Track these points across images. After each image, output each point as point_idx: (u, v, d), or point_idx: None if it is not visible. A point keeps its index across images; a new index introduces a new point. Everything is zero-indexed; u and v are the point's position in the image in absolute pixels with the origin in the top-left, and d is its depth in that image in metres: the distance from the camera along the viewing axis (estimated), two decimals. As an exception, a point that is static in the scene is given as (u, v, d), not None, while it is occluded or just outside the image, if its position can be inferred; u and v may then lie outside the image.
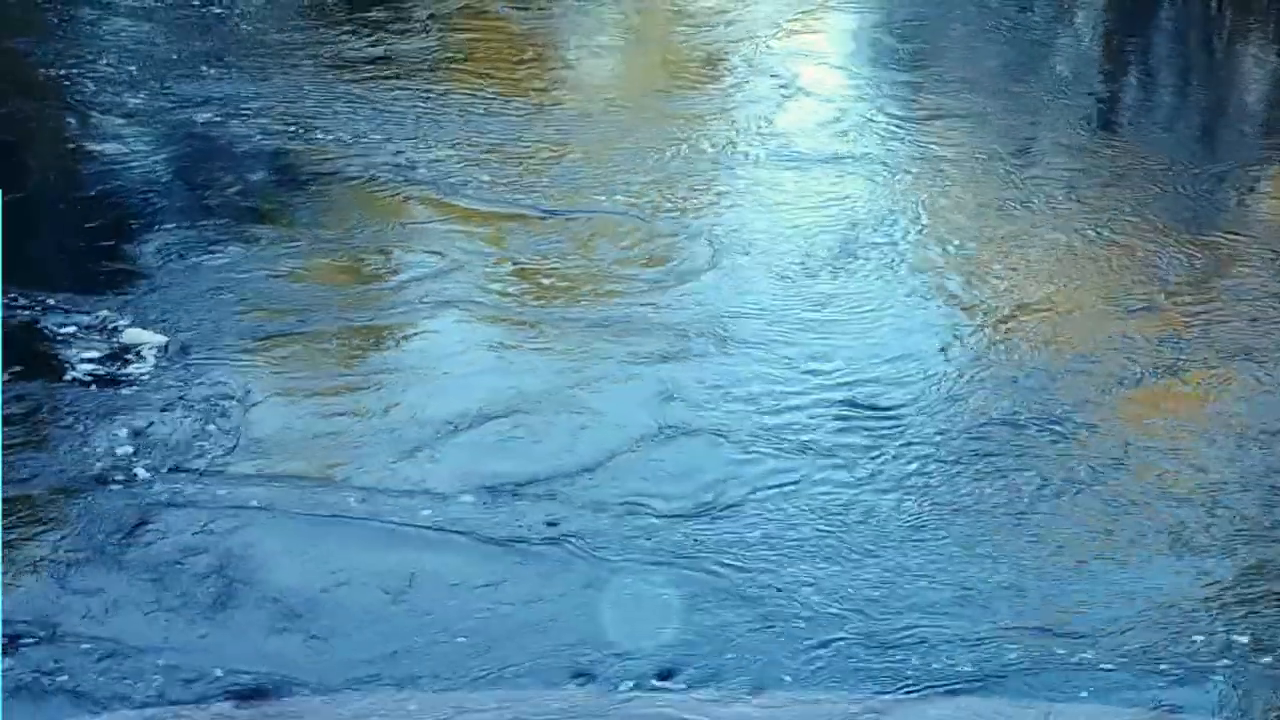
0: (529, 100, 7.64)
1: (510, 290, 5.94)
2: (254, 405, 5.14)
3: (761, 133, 7.42)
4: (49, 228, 6.41)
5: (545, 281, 6.01)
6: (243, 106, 7.43)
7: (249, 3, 8.82)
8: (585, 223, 6.46)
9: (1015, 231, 6.51)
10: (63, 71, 7.80)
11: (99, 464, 4.81)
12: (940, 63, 8.61)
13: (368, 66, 7.96)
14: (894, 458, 4.95)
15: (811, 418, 5.16)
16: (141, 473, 4.77)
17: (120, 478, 4.75)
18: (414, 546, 4.51)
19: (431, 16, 8.72)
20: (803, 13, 9.26)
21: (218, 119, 7.30)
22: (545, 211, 6.51)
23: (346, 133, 7.20)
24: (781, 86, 8.05)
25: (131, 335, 5.50)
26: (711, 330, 5.66)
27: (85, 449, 4.88)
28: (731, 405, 5.21)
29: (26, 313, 5.59)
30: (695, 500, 4.73)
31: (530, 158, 7.00)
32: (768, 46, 8.63)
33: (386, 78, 7.83)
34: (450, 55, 8.21)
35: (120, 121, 7.29)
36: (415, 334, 5.68)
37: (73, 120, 7.33)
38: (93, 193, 6.67)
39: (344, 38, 8.32)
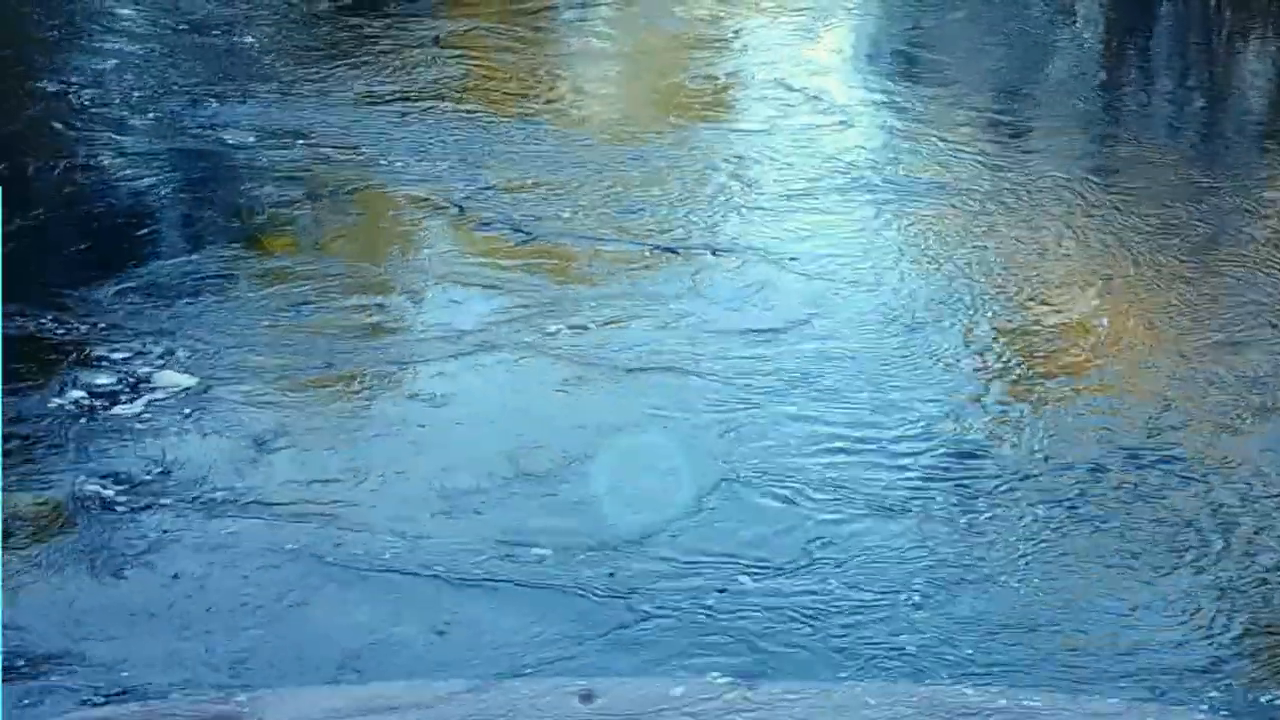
0: (559, 127, 7.41)
1: (569, 328, 5.68)
2: (282, 448, 4.90)
3: (823, 163, 7.17)
4: (80, 257, 6.18)
5: (606, 319, 5.76)
6: (274, 134, 7.19)
7: (262, 33, 8.50)
8: (648, 257, 6.24)
9: (1104, 262, 6.30)
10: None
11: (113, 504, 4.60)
12: (972, 77, 8.42)
13: (388, 93, 7.71)
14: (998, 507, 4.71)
15: (906, 468, 4.91)
16: (169, 515, 4.56)
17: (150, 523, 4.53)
18: (453, 597, 4.26)
19: (437, 40, 8.46)
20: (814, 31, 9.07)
21: (248, 145, 7.07)
22: (601, 245, 6.30)
23: (381, 159, 6.99)
24: (830, 112, 7.84)
25: (163, 378, 5.28)
26: (802, 377, 5.39)
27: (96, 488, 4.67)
28: (821, 455, 4.93)
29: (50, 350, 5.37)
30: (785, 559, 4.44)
31: (577, 188, 6.78)
32: (795, 68, 8.42)
33: (410, 105, 7.57)
34: (466, 82, 7.95)
35: (148, 149, 7.07)
36: (463, 374, 5.42)
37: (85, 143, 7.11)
38: (119, 219, 6.48)
39: (363, 62, 8.07)
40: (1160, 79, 8.77)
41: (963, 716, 3.75)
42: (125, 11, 8.69)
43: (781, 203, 6.69)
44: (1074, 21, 9.68)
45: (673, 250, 6.25)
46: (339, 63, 8.04)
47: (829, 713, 3.75)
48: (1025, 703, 3.85)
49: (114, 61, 8.02)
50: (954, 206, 6.72)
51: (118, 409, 5.06)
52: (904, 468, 4.92)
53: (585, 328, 5.67)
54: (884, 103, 7.94)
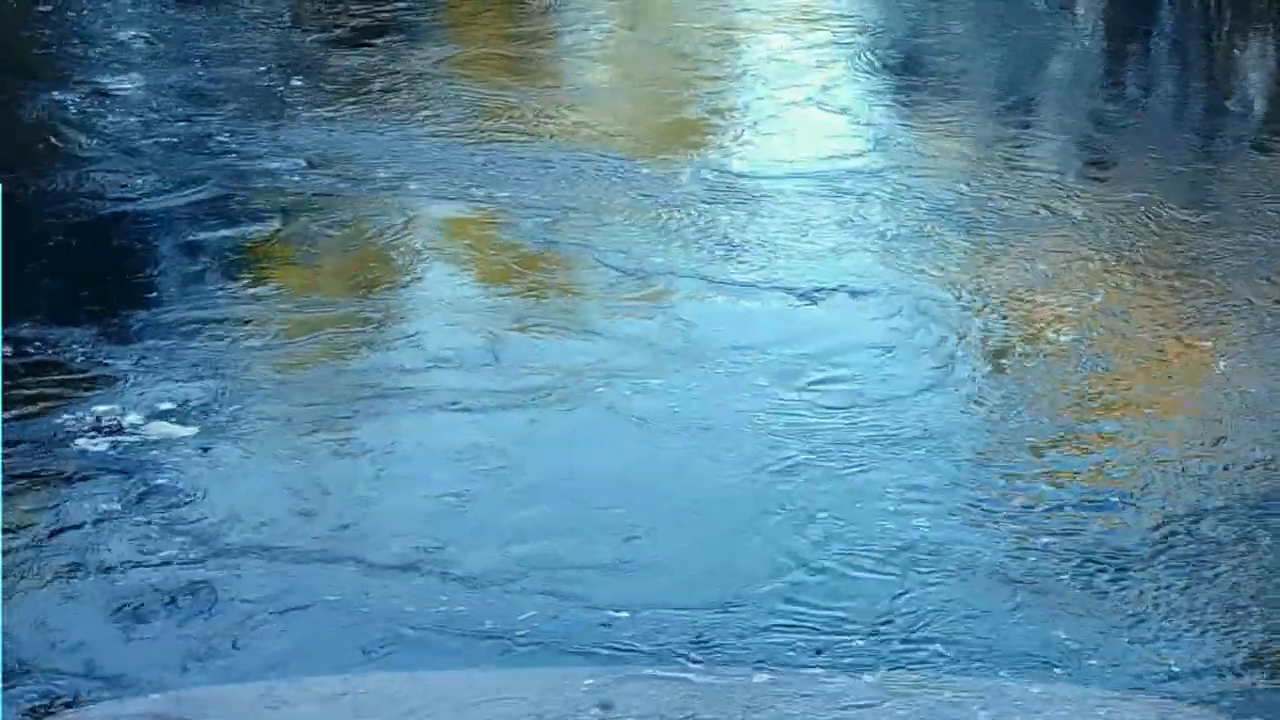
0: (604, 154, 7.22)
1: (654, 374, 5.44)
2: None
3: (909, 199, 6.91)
4: (117, 289, 6.06)
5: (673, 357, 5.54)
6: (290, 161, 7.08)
7: (268, 63, 8.33)
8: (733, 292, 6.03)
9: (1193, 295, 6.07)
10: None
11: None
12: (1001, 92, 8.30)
13: (401, 120, 7.55)
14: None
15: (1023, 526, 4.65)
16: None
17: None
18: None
19: (443, 63, 8.31)
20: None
21: (295, 173, 6.95)
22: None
23: (401, 184, 6.86)
24: (878, 138, 7.67)
25: (157, 429, 5.05)
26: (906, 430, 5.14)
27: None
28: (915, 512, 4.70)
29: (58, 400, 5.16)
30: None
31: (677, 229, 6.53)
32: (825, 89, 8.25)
33: (426, 130, 7.43)
34: (481, 107, 7.76)
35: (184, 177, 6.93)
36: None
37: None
38: (126, 248, 6.40)
39: (368, 91, 7.91)
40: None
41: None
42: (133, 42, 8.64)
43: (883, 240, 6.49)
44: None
45: (811, 299, 5.98)
46: (348, 92, 7.91)
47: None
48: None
49: (118, 87, 7.96)
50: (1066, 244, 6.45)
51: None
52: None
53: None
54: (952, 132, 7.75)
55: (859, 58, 8.74)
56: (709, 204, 6.69)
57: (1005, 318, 5.82)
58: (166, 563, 4.36)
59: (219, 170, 6.91)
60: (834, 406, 5.19)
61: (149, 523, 4.52)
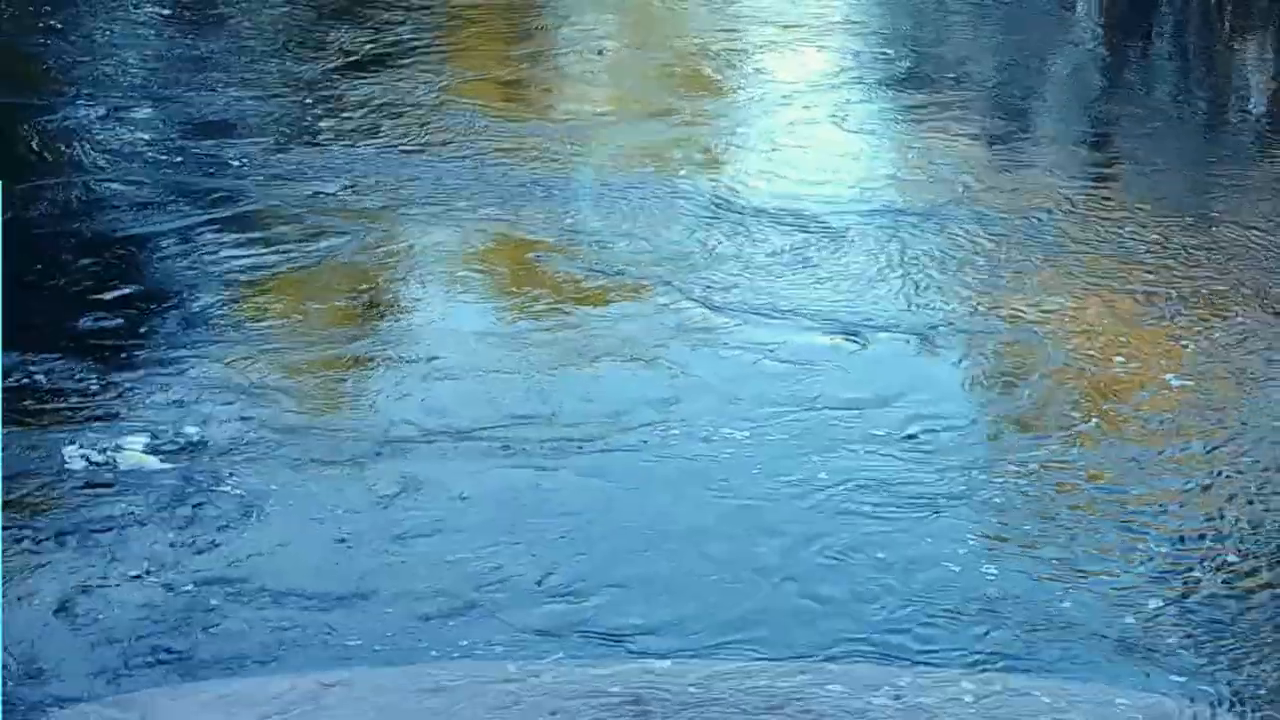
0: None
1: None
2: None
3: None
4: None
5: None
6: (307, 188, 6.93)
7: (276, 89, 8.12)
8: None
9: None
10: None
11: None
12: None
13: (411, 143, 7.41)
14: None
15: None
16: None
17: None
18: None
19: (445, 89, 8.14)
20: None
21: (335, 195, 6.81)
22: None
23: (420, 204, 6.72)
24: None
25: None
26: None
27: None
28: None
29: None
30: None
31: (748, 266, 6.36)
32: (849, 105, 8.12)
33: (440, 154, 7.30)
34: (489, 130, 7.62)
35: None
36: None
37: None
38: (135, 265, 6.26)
39: (375, 115, 7.74)
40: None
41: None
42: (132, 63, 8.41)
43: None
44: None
45: (868, 337, 5.79)
46: (364, 118, 7.77)
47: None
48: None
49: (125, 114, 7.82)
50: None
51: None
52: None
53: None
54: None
55: (877, 71, 8.67)
56: (746, 234, 6.57)
57: (1099, 357, 5.67)
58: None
59: (239, 194, 6.83)
60: (925, 459, 5.01)
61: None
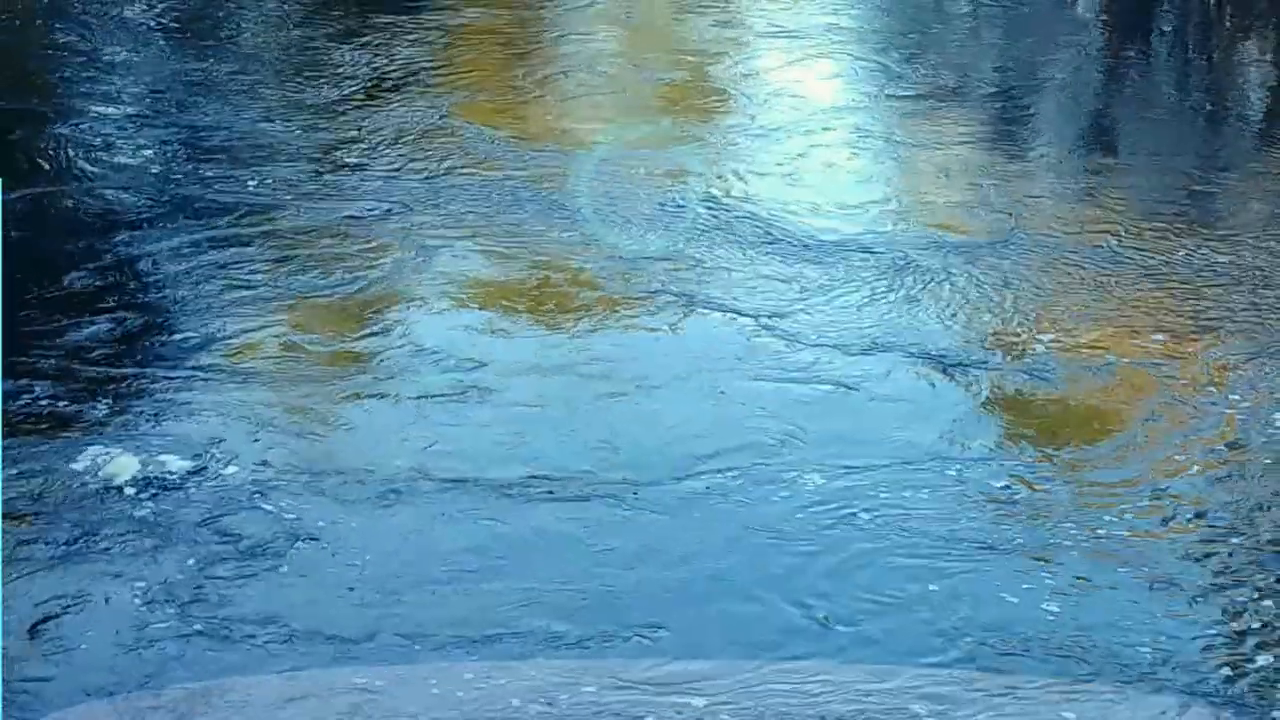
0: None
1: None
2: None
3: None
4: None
5: None
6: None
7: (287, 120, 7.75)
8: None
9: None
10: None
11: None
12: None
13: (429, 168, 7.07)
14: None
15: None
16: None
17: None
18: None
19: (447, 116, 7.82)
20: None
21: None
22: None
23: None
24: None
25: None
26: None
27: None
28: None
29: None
30: None
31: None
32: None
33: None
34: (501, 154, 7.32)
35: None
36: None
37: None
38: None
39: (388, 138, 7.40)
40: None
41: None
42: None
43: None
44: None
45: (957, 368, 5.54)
46: (382, 139, 7.49)
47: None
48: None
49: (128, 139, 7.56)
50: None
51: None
52: None
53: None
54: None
55: (896, 84, 8.44)
56: (782, 260, 6.33)
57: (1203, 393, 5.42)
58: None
59: (259, 215, 6.63)
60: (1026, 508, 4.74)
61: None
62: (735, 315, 5.87)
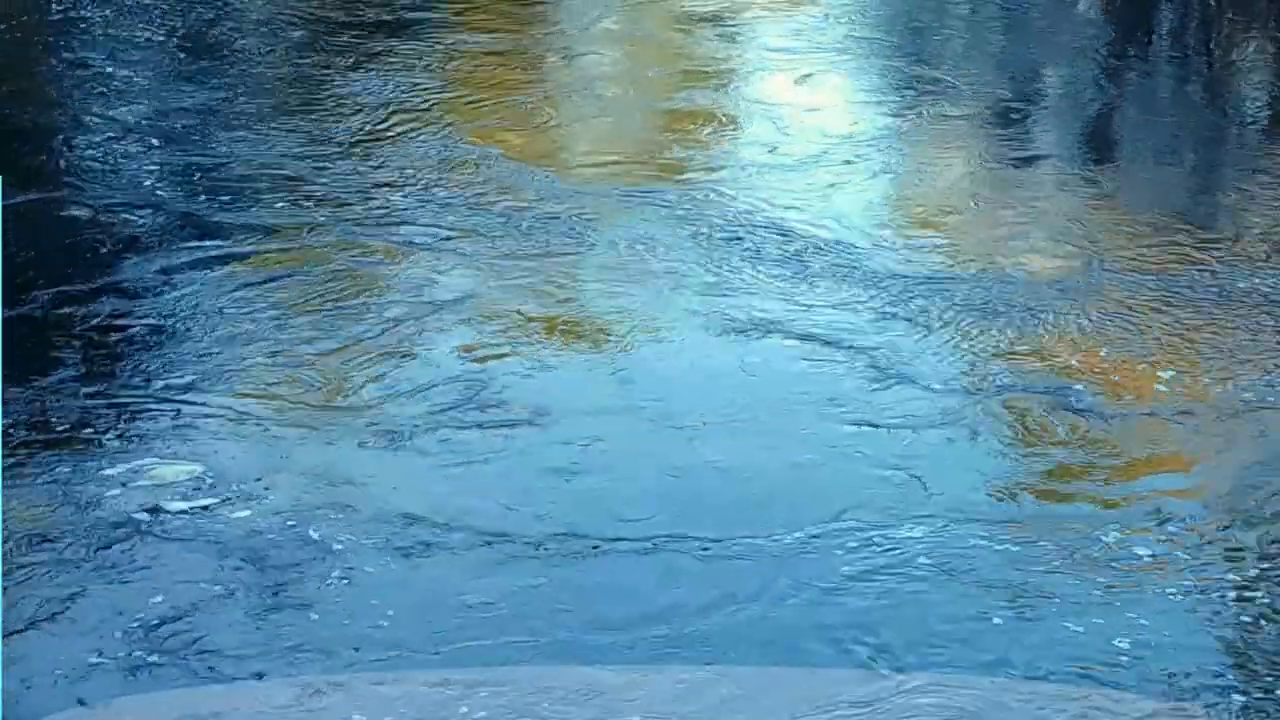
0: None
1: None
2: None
3: None
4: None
5: None
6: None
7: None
8: None
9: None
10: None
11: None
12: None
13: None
14: None
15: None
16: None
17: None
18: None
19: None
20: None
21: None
22: None
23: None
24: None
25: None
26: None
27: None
28: None
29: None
30: None
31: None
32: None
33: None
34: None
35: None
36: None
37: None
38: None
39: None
40: None
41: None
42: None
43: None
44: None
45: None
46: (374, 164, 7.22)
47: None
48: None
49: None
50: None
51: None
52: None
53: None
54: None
55: (918, 99, 8.20)
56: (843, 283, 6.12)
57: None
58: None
59: (262, 240, 6.44)
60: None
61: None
62: (808, 346, 5.63)
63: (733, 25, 9.33)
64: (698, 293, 6.06)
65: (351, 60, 8.52)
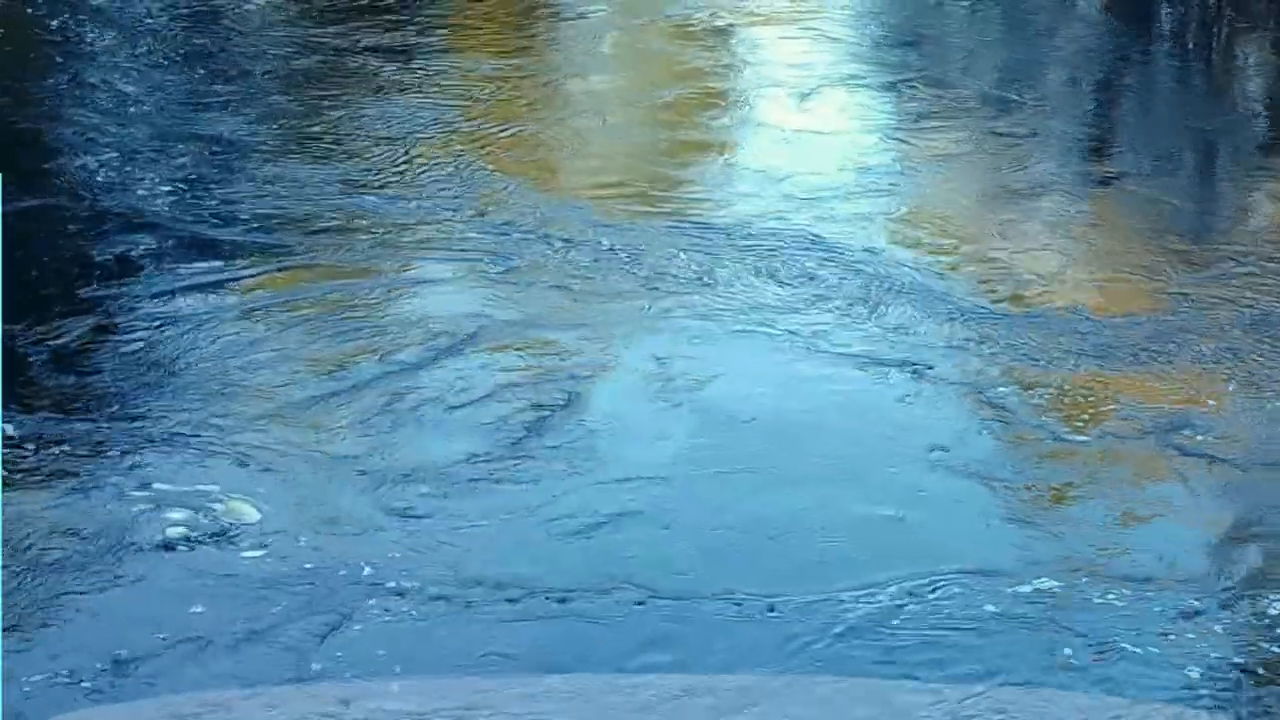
0: None
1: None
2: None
3: None
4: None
5: None
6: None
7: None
8: None
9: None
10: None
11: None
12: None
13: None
14: None
15: None
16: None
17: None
18: None
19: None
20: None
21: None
22: None
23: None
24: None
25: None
26: None
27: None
28: None
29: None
30: None
31: None
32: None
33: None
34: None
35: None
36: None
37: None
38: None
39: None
40: None
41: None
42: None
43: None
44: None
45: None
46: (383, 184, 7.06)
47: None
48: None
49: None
50: None
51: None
52: None
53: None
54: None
55: (938, 115, 8.15)
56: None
57: None
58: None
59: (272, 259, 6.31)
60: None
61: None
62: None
63: (739, 41, 9.26)
64: (766, 326, 5.89)
65: (360, 88, 8.37)
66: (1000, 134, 7.85)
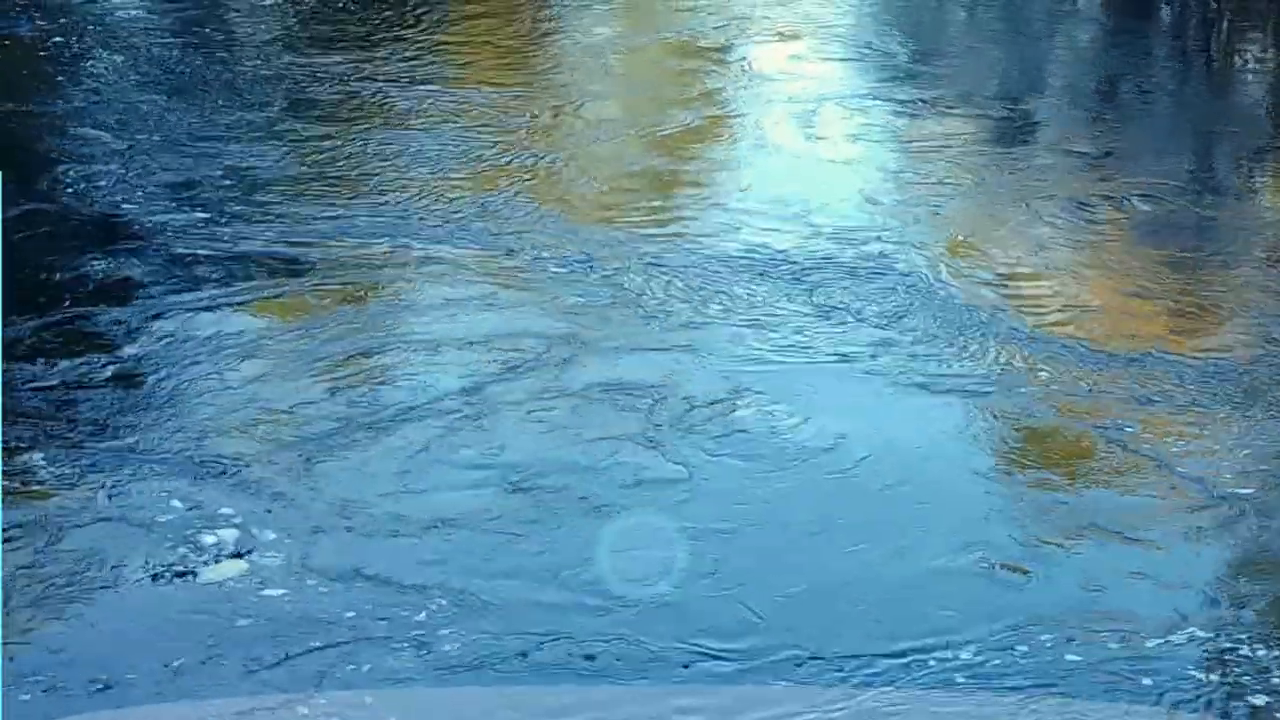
0: None
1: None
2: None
3: None
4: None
5: None
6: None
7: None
8: None
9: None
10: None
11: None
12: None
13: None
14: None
15: None
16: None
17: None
18: None
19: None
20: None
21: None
22: None
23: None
24: None
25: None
26: None
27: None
28: None
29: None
30: None
31: None
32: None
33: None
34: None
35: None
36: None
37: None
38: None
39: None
40: None
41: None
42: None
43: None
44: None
45: None
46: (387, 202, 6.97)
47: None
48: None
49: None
50: None
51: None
52: None
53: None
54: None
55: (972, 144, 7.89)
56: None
57: None
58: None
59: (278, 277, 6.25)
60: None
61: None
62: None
63: (737, 58, 9.10)
64: (834, 359, 5.73)
65: (361, 113, 8.19)
66: (1027, 152, 7.76)
